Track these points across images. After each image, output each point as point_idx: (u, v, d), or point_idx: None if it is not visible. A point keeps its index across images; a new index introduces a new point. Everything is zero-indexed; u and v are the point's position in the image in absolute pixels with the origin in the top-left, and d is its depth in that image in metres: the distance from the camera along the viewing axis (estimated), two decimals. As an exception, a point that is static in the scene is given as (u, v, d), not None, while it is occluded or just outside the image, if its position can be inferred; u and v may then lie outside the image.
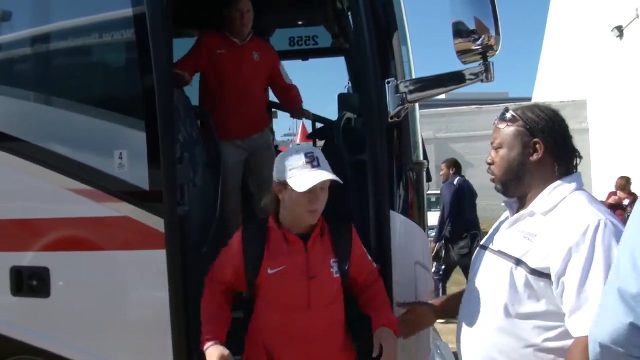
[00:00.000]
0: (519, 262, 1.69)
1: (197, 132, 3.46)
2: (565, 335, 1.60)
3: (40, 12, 2.57)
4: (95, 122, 2.42)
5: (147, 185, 2.35)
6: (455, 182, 7.10)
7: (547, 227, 1.68)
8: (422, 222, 2.62)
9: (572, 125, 1.85)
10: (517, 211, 1.82)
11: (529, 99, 24.56)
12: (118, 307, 2.45)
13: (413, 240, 2.53)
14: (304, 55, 4.92)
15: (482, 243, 1.92)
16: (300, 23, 4.90)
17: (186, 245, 2.40)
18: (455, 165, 7.34)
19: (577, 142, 1.82)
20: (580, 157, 1.79)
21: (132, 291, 2.46)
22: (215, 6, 4.45)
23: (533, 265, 1.65)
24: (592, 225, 1.58)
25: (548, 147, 1.74)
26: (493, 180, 1.85)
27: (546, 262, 1.62)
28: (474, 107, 21.59)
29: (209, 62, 3.68)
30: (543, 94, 22.67)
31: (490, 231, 1.92)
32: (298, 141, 8.30)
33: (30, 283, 2.41)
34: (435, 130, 21.36)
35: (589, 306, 1.52)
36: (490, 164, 1.85)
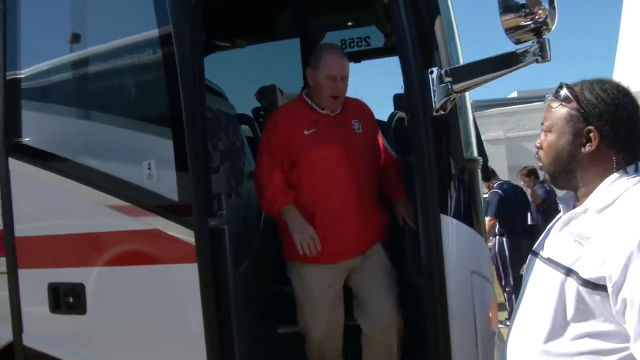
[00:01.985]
0: (569, 272, 1.39)
1: (242, 140, 3.35)
2: None
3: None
4: (122, 132, 2.37)
5: (176, 196, 2.25)
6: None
7: (602, 227, 1.37)
8: (478, 226, 2.35)
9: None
10: (573, 209, 1.53)
11: (608, 92, 23.07)
12: (153, 323, 2.35)
13: (468, 246, 2.26)
14: (357, 57, 4.74)
15: (534, 248, 1.64)
16: (350, 24, 4.73)
17: (223, 258, 2.28)
18: None
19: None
20: None
21: (166, 306, 2.35)
22: (266, 15, 4.41)
23: (585, 276, 1.34)
24: None
25: (605, 138, 1.42)
26: (541, 168, 1.57)
27: (601, 270, 1.32)
28: (547, 103, 20.54)
29: (289, 153, 2.57)
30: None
31: (544, 234, 1.63)
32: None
33: (67, 300, 2.36)
34: (507, 130, 20.50)
35: None
36: (539, 148, 1.57)
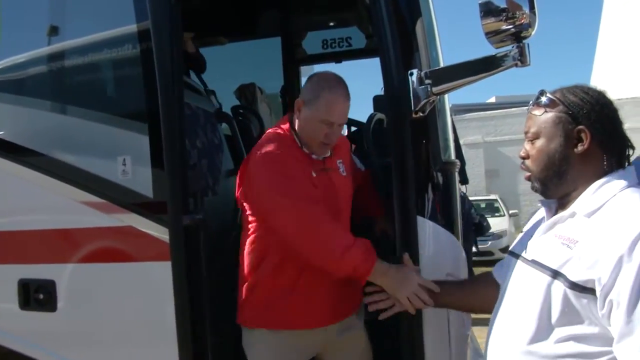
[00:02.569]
0: (556, 274, 1.40)
1: (220, 138, 3.33)
2: None
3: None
4: (97, 127, 2.33)
5: (151, 193, 2.22)
6: None
7: (591, 231, 1.38)
8: (454, 228, 2.36)
9: (632, 124, 1.56)
10: (556, 212, 1.54)
11: (584, 99, 23.49)
12: (124, 320, 2.32)
13: (444, 249, 2.27)
14: (338, 57, 4.74)
15: (511, 249, 1.64)
16: (332, 24, 4.73)
17: (197, 256, 2.25)
18: None
19: (636, 143, 1.54)
20: (632, 148, 1.50)
21: (138, 304, 2.32)
22: (247, 12, 4.37)
23: (573, 278, 1.36)
24: None
25: (595, 136, 1.45)
26: (528, 178, 1.58)
27: (590, 273, 1.33)
28: (524, 108, 20.79)
29: None
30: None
31: (521, 235, 1.64)
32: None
33: (37, 296, 2.31)
34: (484, 134, 20.76)
35: None
36: (524, 158, 1.58)
